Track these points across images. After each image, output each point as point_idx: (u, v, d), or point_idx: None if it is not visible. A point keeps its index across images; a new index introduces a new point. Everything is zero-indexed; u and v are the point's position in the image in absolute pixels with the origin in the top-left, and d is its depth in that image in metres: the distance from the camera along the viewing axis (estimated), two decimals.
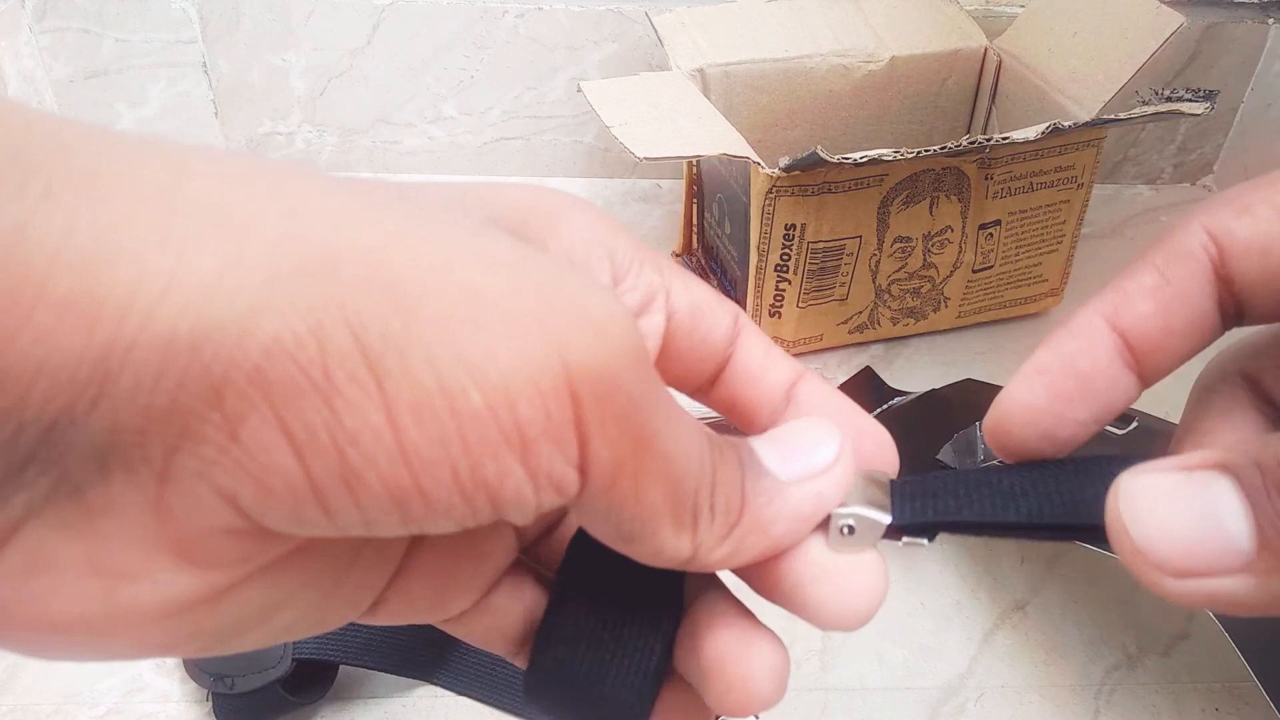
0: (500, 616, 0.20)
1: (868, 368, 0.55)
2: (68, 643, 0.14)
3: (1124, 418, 0.46)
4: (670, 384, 0.21)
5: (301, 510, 0.14)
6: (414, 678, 0.39)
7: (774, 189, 0.49)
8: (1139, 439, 0.45)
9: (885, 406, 0.52)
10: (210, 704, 0.38)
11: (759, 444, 0.19)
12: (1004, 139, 0.48)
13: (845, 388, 0.54)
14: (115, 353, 0.12)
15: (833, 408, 0.21)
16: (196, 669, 0.38)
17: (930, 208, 0.52)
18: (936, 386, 0.52)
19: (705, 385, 0.22)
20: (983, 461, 0.44)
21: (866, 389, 0.54)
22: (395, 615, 0.18)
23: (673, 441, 0.16)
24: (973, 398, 0.51)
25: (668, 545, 0.17)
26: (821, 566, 0.19)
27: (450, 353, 0.13)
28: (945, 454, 0.45)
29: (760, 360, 0.21)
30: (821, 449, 0.19)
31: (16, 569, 0.13)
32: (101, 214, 0.12)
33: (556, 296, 0.15)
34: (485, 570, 0.19)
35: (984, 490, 0.22)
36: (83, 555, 0.13)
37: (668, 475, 0.16)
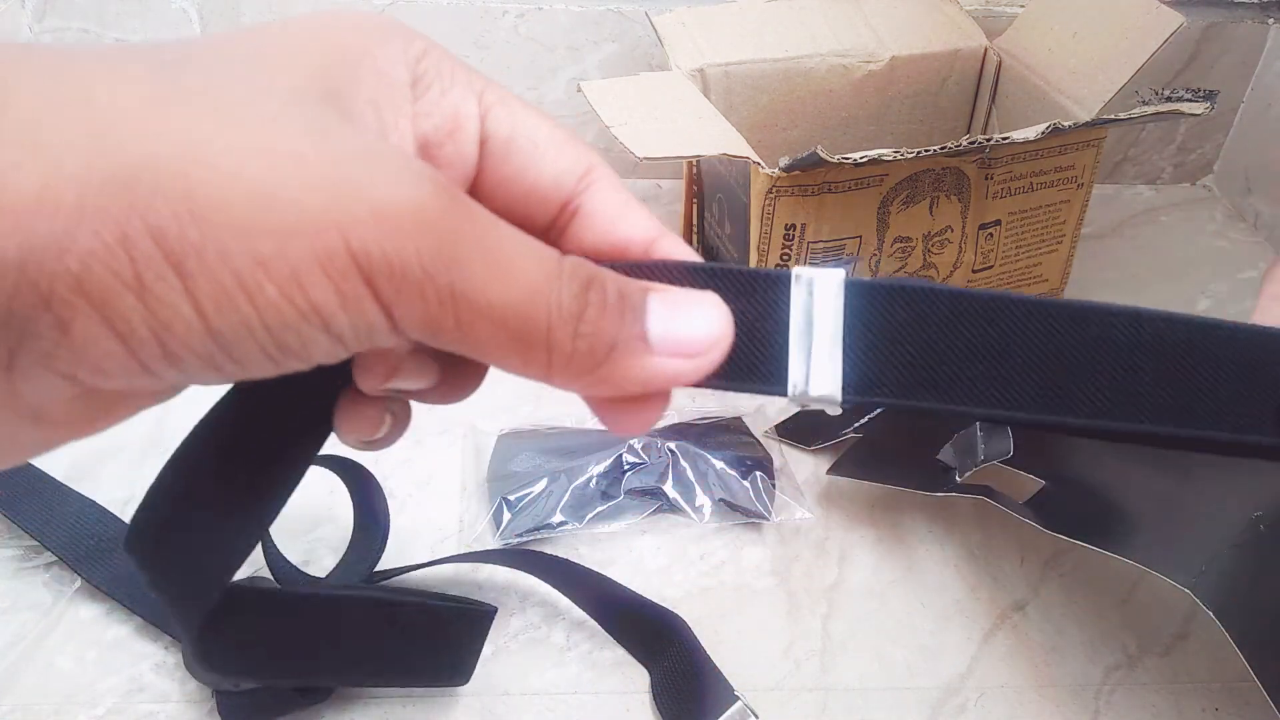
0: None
1: None
2: None
3: None
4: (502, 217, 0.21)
5: (134, 379, 0.16)
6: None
7: (774, 189, 0.49)
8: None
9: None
10: (214, 702, 0.38)
11: (654, 302, 0.20)
12: (1004, 139, 0.48)
13: None
14: None
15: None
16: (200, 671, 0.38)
17: (930, 208, 0.52)
18: None
19: (547, 228, 0.22)
20: (983, 462, 0.44)
21: None
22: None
23: (500, 289, 0.17)
24: None
25: (516, 367, 0.19)
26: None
27: (243, 251, 0.15)
28: (945, 454, 0.45)
29: (615, 211, 0.22)
30: (702, 332, 0.20)
31: None
32: None
33: (341, 185, 0.16)
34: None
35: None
36: None
37: (498, 317, 0.17)
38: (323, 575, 0.42)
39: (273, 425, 0.23)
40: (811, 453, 0.50)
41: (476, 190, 0.22)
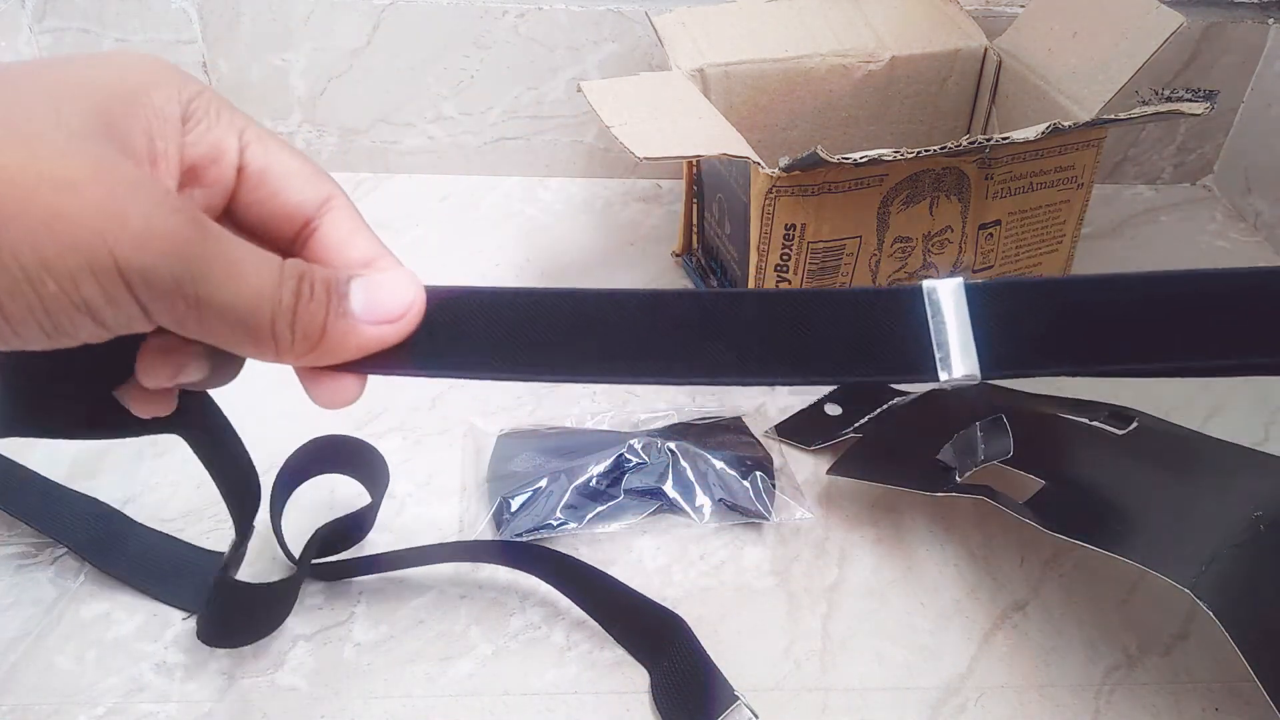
0: None
1: None
2: None
3: (1124, 417, 0.46)
4: (250, 233, 0.27)
5: None
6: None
7: (774, 189, 0.49)
8: (1140, 439, 0.45)
9: (885, 406, 0.52)
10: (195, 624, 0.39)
11: (355, 285, 0.26)
12: (1004, 139, 0.48)
13: (845, 388, 0.54)
14: None
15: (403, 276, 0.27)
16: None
17: (930, 208, 0.52)
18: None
19: (288, 245, 0.27)
20: (983, 462, 0.44)
21: (867, 389, 0.54)
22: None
23: (232, 295, 0.23)
24: (973, 398, 0.51)
25: (252, 355, 0.24)
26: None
27: (33, 255, 0.20)
28: (945, 454, 0.45)
29: (343, 235, 0.27)
30: (396, 302, 0.26)
31: None
32: None
33: (112, 212, 0.21)
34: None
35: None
36: None
37: (230, 317, 0.23)
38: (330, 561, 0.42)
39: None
40: (811, 453, 0.50)
41: (233, 207, 0.27)
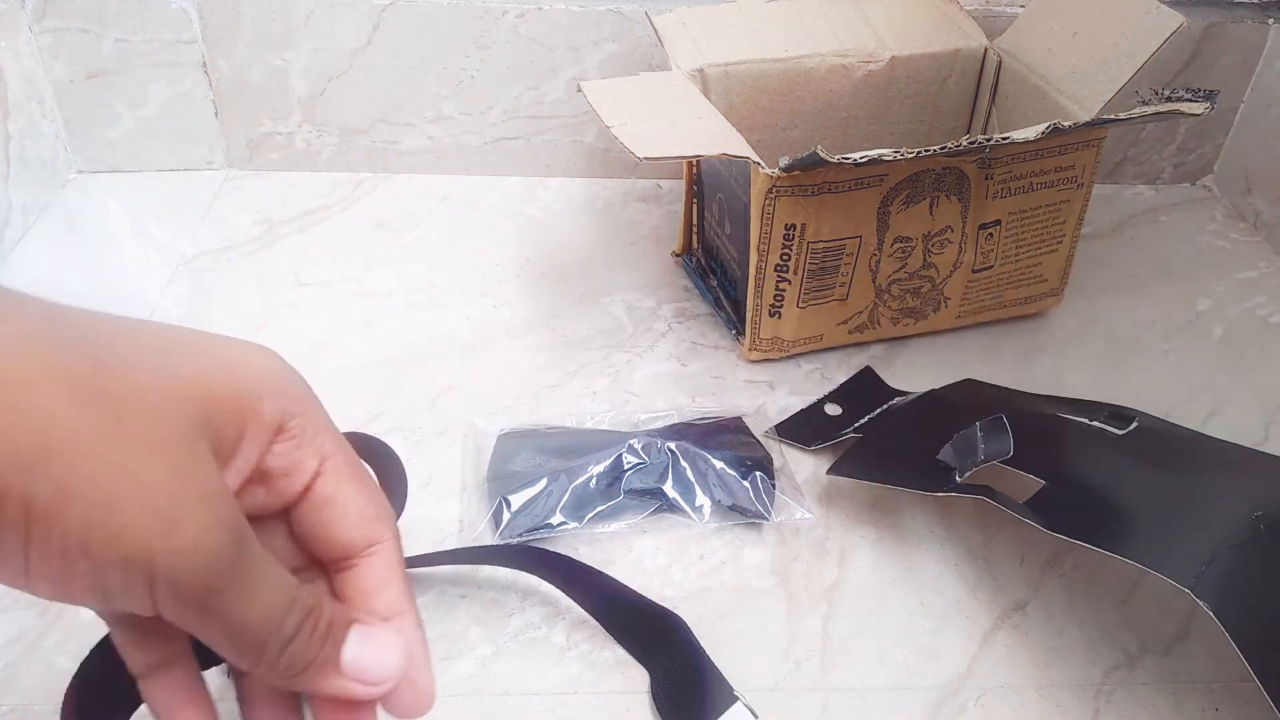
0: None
1: (868, 368, 0.55)
2: None
3: (1124, 417, 0.46)
4: (294, 539, 0.28)
5: None
6: None
7: (774, 189, 0.49)
8: (1140, 439, 0.45)
9: (885, 406, 0.52)
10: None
11: (354, 636, 0.26)
12: (1004, 139, 0.48)
13: (845, 388, 0.54)
14: None
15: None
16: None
17: (930, 208, 0.52)
18: (936, 387, 0.52)
19: (329, 564, 0.28)
20: (983, 462, 0.44)
21: (867, 389, 0.54)
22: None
23: (242, 613, 0.23)
24: (973, 398, 0.51)
25: (228, 657, 0.24)
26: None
27: (79, 536, 0.21)
28: (945, 454, 0.45)
29: (375, 585, 0.28)
30: (382, 670, 0.26)
31: None
32: None
33: (170, 517, 0.21)
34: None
35: None
36: None
37: (230, 629, 0.23)
38: None
39: None
40: (811, 453, 0.50)
41: (289, 515, 0.27)
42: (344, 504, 0.27)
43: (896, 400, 0.52)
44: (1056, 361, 0.57)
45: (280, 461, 0.26)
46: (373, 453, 0.43)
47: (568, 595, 0.42)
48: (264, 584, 0.24)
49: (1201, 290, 0.64)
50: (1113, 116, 0.50)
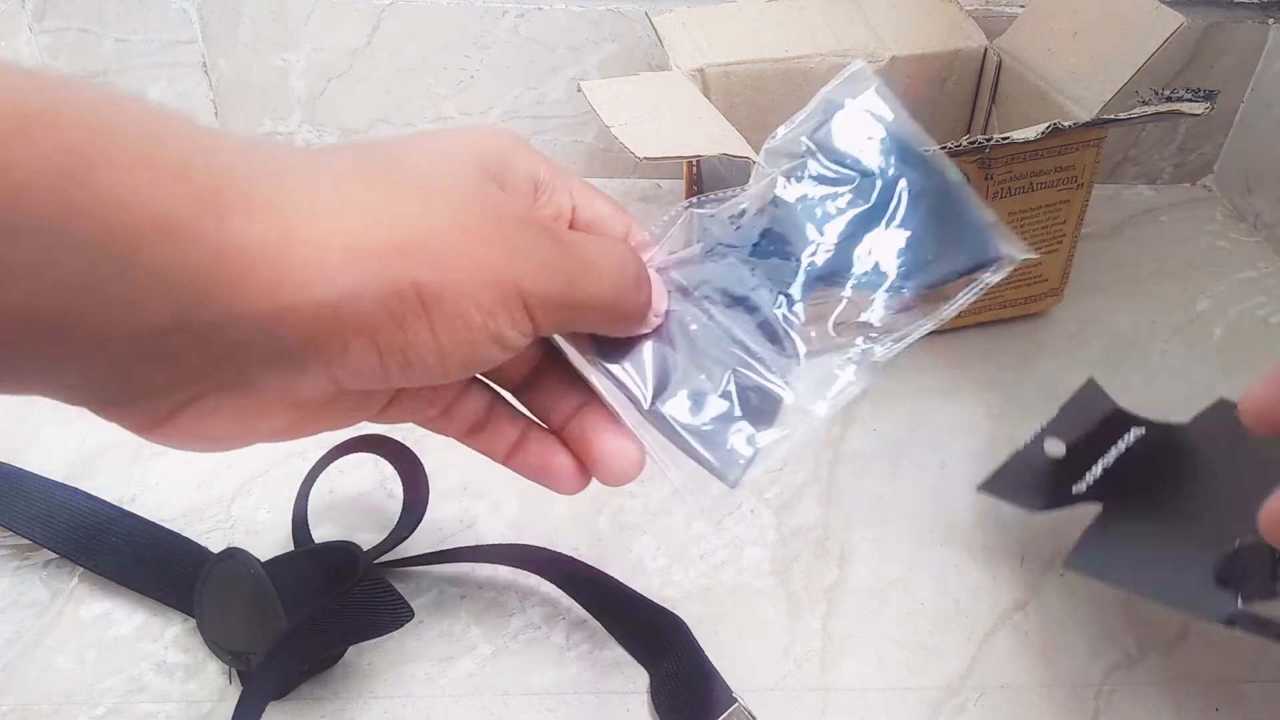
0: (459, 419, 0.30)
1: (1091, 381, 0.44)
2: (215, 446, 0.24)
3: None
4: None
5: (373, 382, 0.24)
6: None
7: None
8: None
9: (1123, 444, 0.41)
10: (234, 679, 0.39)
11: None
12: (1004, 139, 0.48)
13: (1067, 413, 0.44)
14: (291, 314, 0.22)
15: None
16: (219, 648, 0.39)
17: None
18: (1183, 421, 0.41)
19: None
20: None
21: (1092, 412, 0.42)
22: (395, 419, 0.29)
23: (598, 291, 0.26)
24: (1237, 440, 0.37)
25: (609, 330, 0.28)
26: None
27: (464, 298, 0.24)
28: (1223, 565, 0.35)
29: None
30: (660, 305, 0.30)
31: (200, 413, 0.23)
32: (284, 232, 0.21)
33: (513, 250, 0.24)
34: (450, 391, 0.30)
35: None
36: (236, 409, 0.23)
37: (596, 309, 0.27)
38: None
39: None
40: (1031, 514, 0.41)
41: None
42: (598, 216, 0.30)
43: (1134, 433, 0.41)
44: (1056, 361, 0.57)
45: (549, 211, 0.29)
46: (394, 454, 0.43)
47: (568, 595, 0.42)
48: (598, 260, 0.27)
49: (1201, 290, 0.64)
50: (1113, 117, 0.50)
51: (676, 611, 0.41)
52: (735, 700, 0.38)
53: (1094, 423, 0.42)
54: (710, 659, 0.40)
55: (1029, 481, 0.41)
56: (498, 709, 0.39)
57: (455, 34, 0.67)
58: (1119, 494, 0.39)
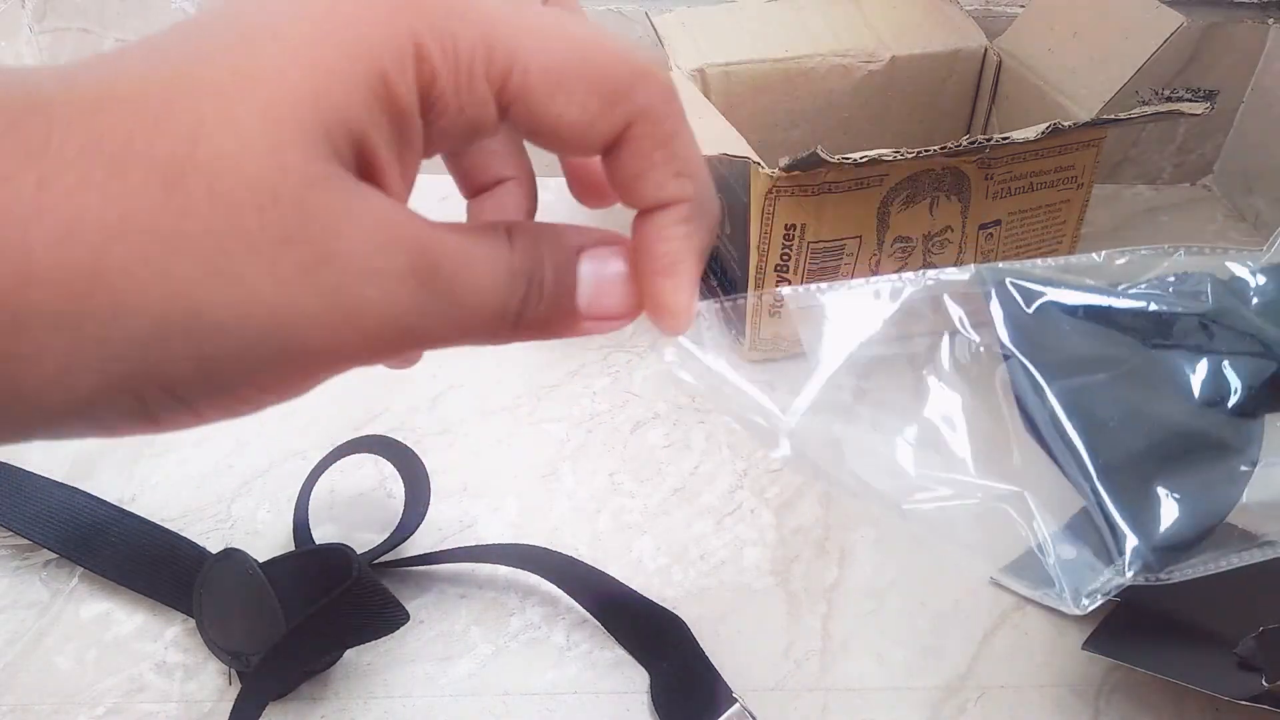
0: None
1: None
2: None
3: None
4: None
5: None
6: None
7: (774, 189, 0.49)
8: None
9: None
10: (233, 680, 0.39)
11: (584, 271, 0.24)
12: (1004, 139, 0.48)
13: (1084, 515, 0.41)
14: None
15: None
16: (218, 648, 0.39)
17: (930, 208, 0.52)
18: None
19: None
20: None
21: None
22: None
23: (460, 311, 0.20)
24: None
25: (481, 342, 0.22)
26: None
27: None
28: (1247, 647, 0.35)
29: (641, 170, 0.24)
30: (618, 305, 0.24)
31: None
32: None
33: (345, 319, 0.18)
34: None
35: None
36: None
37: (462, 327, 0.21)
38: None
39: None
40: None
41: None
42: (554, 126, 0.22)
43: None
44: None
45: (451, 140, 0.22)
46: (396, 455, 0.43)
47: (568, 595, 0.42)
48: (470, 276, 0.21)
49: None
50: (1113, 116, 0.50)
51: (676, 611, 0.41)
52: (735, 700, 0.38)
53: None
54: (710, 659, 0.40)
55: (1039, 572, 0.41)
56: (497, 709, 0.39)
57: None
58: (1140, 589, 0.38)
